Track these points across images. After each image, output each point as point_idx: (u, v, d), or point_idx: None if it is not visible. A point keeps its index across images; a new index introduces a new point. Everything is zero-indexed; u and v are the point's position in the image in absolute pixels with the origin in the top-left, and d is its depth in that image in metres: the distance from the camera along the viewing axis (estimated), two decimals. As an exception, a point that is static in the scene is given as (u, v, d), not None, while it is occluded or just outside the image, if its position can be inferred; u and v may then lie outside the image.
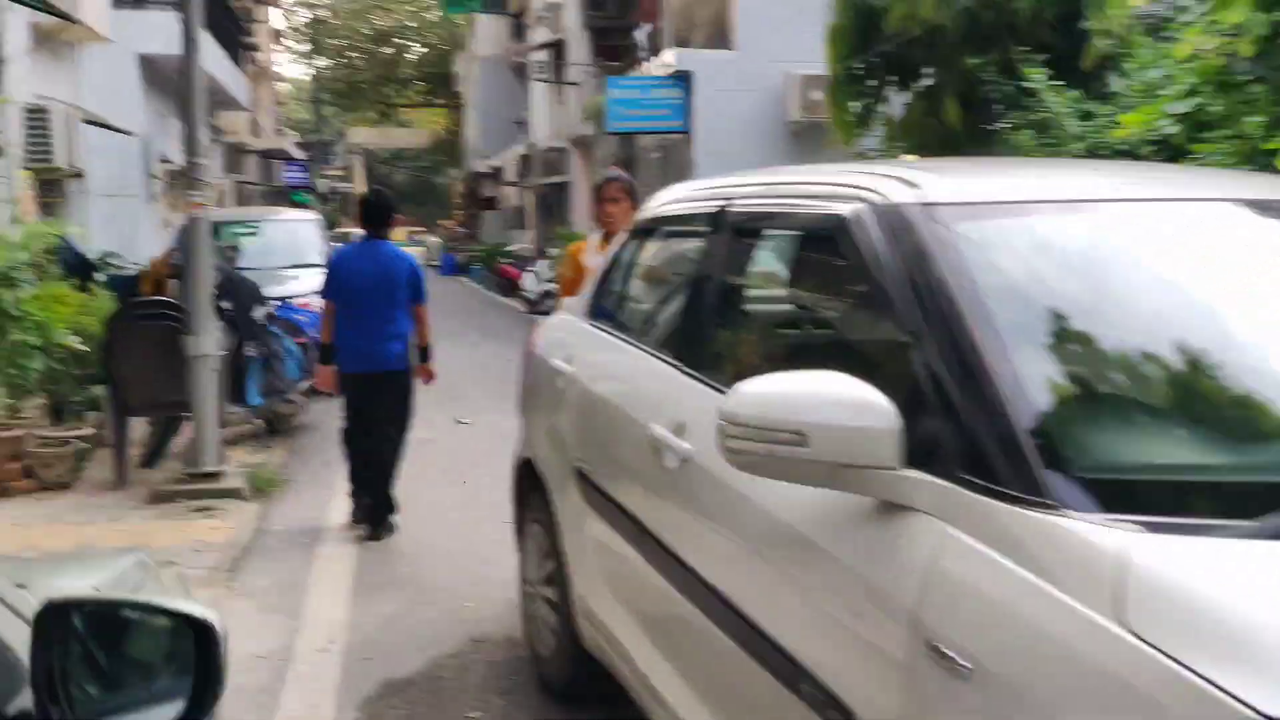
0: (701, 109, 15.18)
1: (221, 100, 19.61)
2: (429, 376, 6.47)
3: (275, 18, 43.29)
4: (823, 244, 2.64)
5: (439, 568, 5.56)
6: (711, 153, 15.26)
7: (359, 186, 61.24)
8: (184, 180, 7.09)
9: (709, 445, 2.68)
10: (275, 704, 3.98)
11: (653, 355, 3.34)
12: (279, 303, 9.49)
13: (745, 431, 2.05)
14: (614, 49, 23.61)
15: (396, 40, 49.54)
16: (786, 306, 3.11)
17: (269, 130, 34.80)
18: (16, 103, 10.55)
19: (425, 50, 49.52)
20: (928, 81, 9.75)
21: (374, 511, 6.17)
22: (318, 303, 10.84)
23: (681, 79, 15.42)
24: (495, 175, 38.57)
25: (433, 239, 52.52)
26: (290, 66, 57.70)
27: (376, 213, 6.32)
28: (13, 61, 10.61)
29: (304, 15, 49.99)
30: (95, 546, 5.77)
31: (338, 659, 4.39)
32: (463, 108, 46.44)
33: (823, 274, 2.82)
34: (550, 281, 23.31)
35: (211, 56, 16.64)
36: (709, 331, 3.05)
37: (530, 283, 24.00)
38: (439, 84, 49.67)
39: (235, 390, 8.03)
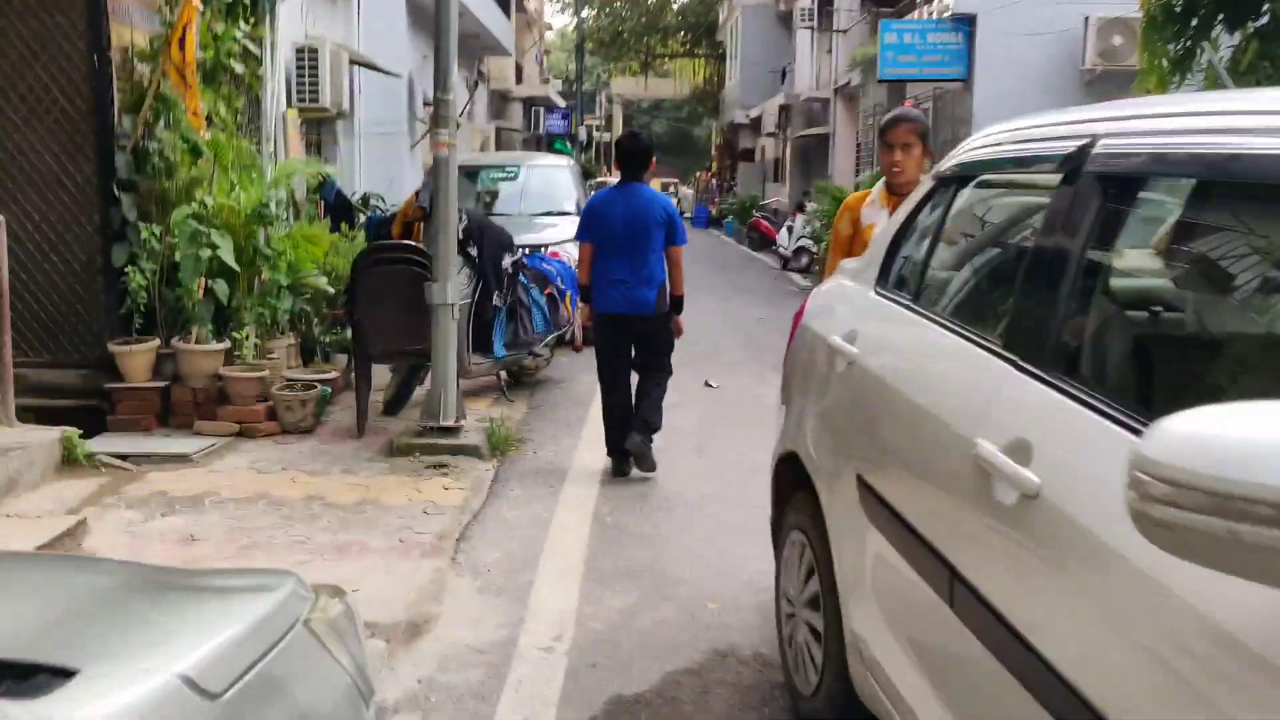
0: (984, 55, 13.89)
1: (487, 45, 19.68)
2: (677, 329, 6.30)
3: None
4: None
5: (679, 557, 4.96)
6: (992, 103, 13.96)
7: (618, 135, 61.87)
8: (435, 119, 6.71)
9: (1069, 481, 1.90)
10: (491, 714, 3.47)
11: (973, 341, 2.54)
12: (528, 251, 9.13)
13: (1181, 496, 1.27)
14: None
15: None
16: (1217, 292, 2.13)
17: (534, 78, 35.19)
18: (288, 41, 10.61)
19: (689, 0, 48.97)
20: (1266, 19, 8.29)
21: (635, 433, 6.16)
22: (571, 251, 10.59)
23: (963, 22, 14.15)
24: (754, 126, 37.72)
25: (686, 190, 52.44)
26: (557, 16, 58.63)
27: (633, 157, 6.23)
28: (286, 0, 10.68)
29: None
30: (324, 499, 5.51)
31: (562, 661, 3.85)
32: (724, 58, 45.74)
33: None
34: (807, 238, 22.42)
35: (478, 1, 16.59)
36: (1068, 317, 2.21)
37: (784, 239, 23.16)
38: (702, 34, 49.08)
39: (480, 340, 7.71)
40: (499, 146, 27.55)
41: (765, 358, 9.68)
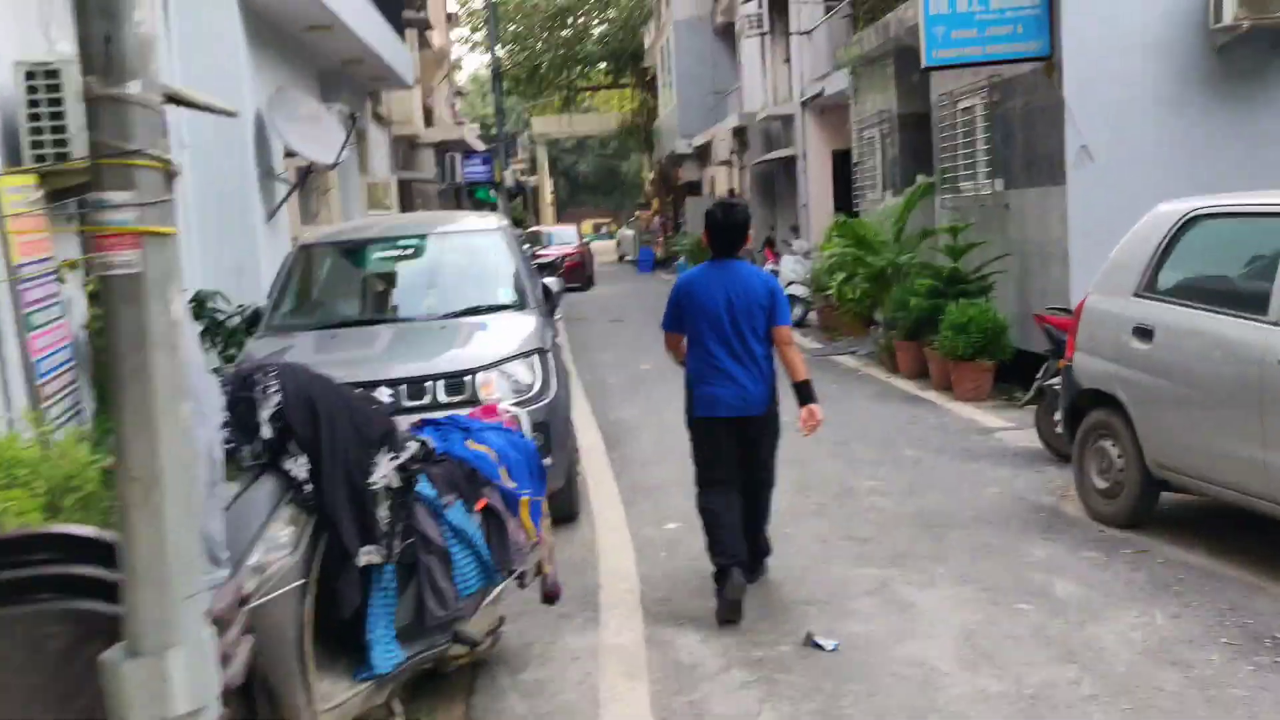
0: (1072, 22, 9.83)
1: (380, 76, 15.29)
2: (813, 422, 5.41)
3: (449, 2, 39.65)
4: None
5: None
6: (1090, 87, 9.88)
7: (544, 178, 57.76)
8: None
9: None
10: None
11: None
12: (438, 418, 4.73)
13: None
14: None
15: (580, 17, 45.19)
16: None
17: (447, 121, 30.88)
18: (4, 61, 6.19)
19: (609, 25, 45.04)
20: None
21: (749, 559, 5.46)
22: (522, 377, 6.27)
23: (1035, -21, 10.06)
24: (700, 155, 33.65)
25: (626, 231, 48.31)
26: (470, 57, 54.21)
27: (728, 230, 5.46)
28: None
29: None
30: None
31: None
32: (654, 85, 41.78)
33: None
34: (800, 284, 18.27)
35: (360, 15, 12.26)
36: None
37: (767, 285, 18.97)
38: (626, 61, 45.16)
39: (340, 644, 3.37)
40: (408, 203, 23.11)
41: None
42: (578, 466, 7.53)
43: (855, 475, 7.75)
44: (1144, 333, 5.78)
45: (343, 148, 9.96)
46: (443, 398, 6.10)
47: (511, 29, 45.63)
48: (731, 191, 28.75)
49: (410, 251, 7.50)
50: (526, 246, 28.84)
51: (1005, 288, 11.26)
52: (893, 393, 11.16)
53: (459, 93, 38.70)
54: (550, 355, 6.61)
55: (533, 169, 56.52)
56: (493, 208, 46.48)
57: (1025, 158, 10.84)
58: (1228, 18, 9.58)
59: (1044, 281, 10.60)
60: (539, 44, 45.48)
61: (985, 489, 7.22)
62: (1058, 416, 7.97)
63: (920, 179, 13.88)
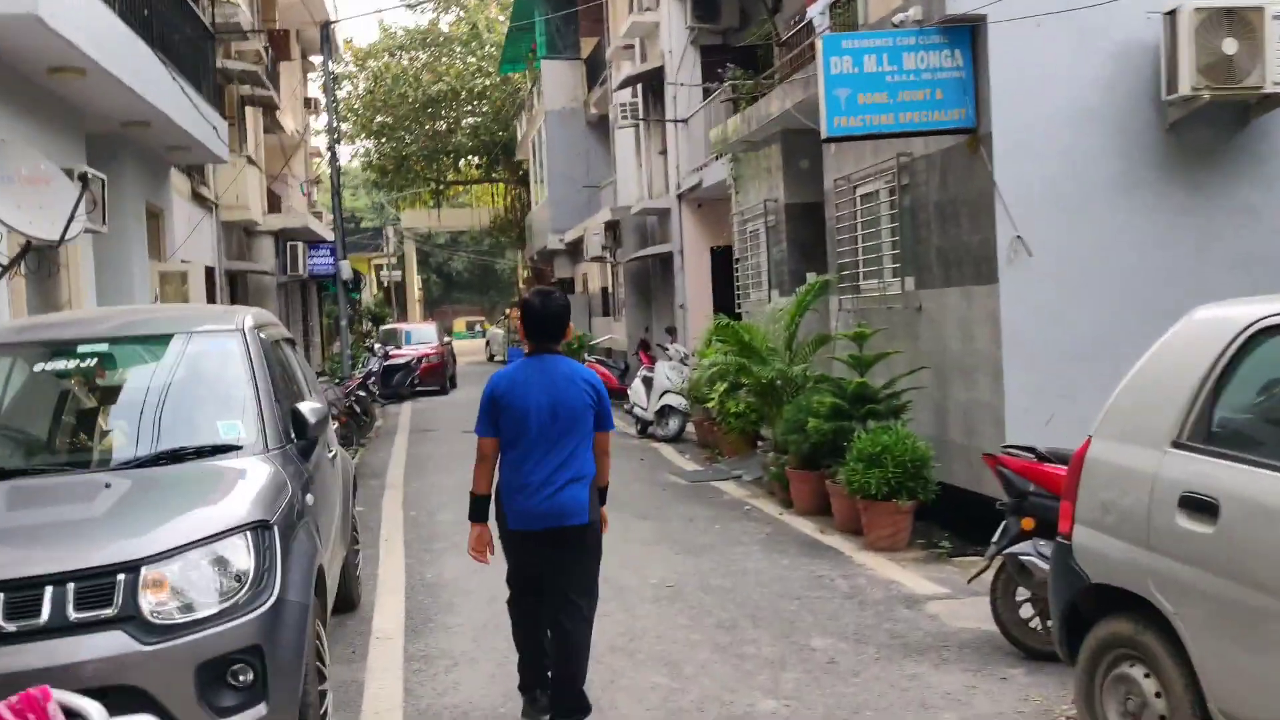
0: (1001, 86, 8.03)
1: (183, 145, 12.80)
2: (603, 523, 5.18)
3: (310, 86, 37.31)
4: None
5: None
6: (1022, 161, 8.10)
7: (412, 273, 55.20)
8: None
9: None
10: None
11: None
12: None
13: None
14: (749, 52, 16.66)
15: (448, 110, 43.29)
16: None
17: (298, 208, 28.39)
18: None
19: (480, 117, 43.23)
20: None
21: (555, 713, 4.98)
22: (223, 579, 3.88)
23: (960, 34, 8.29)
24: (572, 252, 31.71)
25: (495, 330, 46.01)
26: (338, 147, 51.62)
27: (546, 321, 5.04)
28: None
29: (343, 87, 44.15)
30: None
31: None
32: (527, 180, 39.95)
33: None
34: (675, 393, 16.09)
35: (130, 61, 9.93)
36: None
37: (638, 393, 16.72)
38: (498, 154, 43.36)
39: None
40: (240, 297, 20.48)
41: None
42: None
43: (748, 688, 5.44)
44: (1200, 506, 3.70)
45: (70, 219, 7.50)
46: (74, 613, 3.67)
47: (378, 120, 43.54)
48: (564, 282, 26.82)
49: (92, 363, 5.05)
50: (378, 346, 26.46)
51: (921, 407, 9.28)
52: (788, 538, 8.97)
53: (316, 180, 36.08)
54: (285, 529, 4.24)
55: (402, 264, 53.94)
56: (354, 303, 44.02)
57: (943, 252, 8.96)
58: (1184, 87, 7.87)
59: (970, 400, 8.65)
60: (406, 136, 43.41)
61: (938, 717, 5.01)
62: (1022, 598, 5.88)
63: (813, 277, 12.01)
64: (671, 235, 21.15)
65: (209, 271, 18.42)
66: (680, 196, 20.31)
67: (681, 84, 18.24)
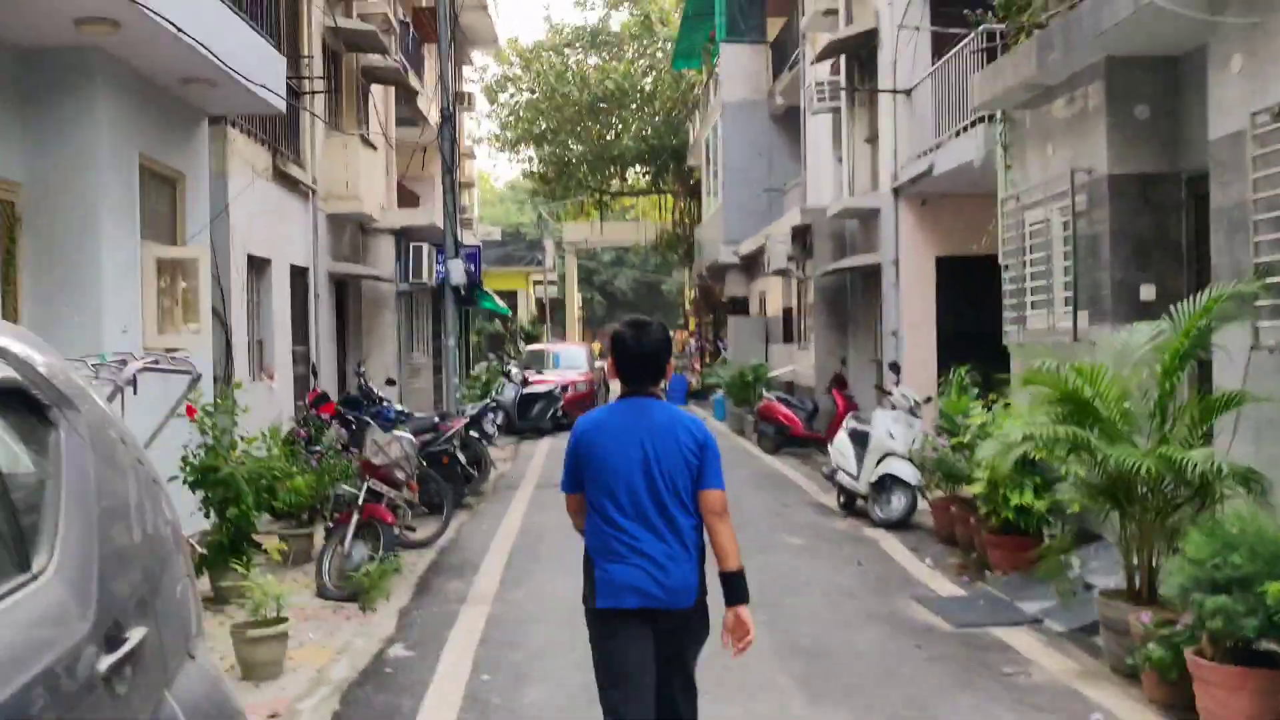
0: None
1: (190, 71, 8.92)
2: (742, 631, 3.93)
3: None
4: None
5: None
6: None
7: (572, 291, 51.67)
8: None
9: None
10: None
11: None
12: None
13: None
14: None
15: (615, 112, 39.58)
16: None
17: (435, 206, 24.77)
18: None
19: (648, 122, 39.34)
20: None
21: None
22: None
23: None
24: (747, 267, 27.30)
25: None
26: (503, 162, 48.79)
27: (641, 358, 4.09)
28: None
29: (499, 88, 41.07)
30: None
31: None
32: (696, 188, 35.76)
33: None
34: (903, 458, 11.32)
35: None
36: None
37: (845, 451, 12.09)
38: (667, 160, 39.36)
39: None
40: (347, 306, 16.77)
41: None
42: None
43: None
44: None
45: None
46: None
47: (543, 125, 40.17)
48: (738, 300, 22.25)
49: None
50: (516, 371, 22.48)
51: None
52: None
53: (468, 184, 32.73)
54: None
55: (563, 282, 50.55)
56: (505, 321, 40.56)
57: None
58: None
59: None
60: (570, 140, 39.92)
61: None
62: None
63: (1149, 292, 7.37)
64: (881, 241, 16.48)
65: (299, 271, 14.73)
66: (897, 191, 15.65)
67: (915, 27, 13.52)
